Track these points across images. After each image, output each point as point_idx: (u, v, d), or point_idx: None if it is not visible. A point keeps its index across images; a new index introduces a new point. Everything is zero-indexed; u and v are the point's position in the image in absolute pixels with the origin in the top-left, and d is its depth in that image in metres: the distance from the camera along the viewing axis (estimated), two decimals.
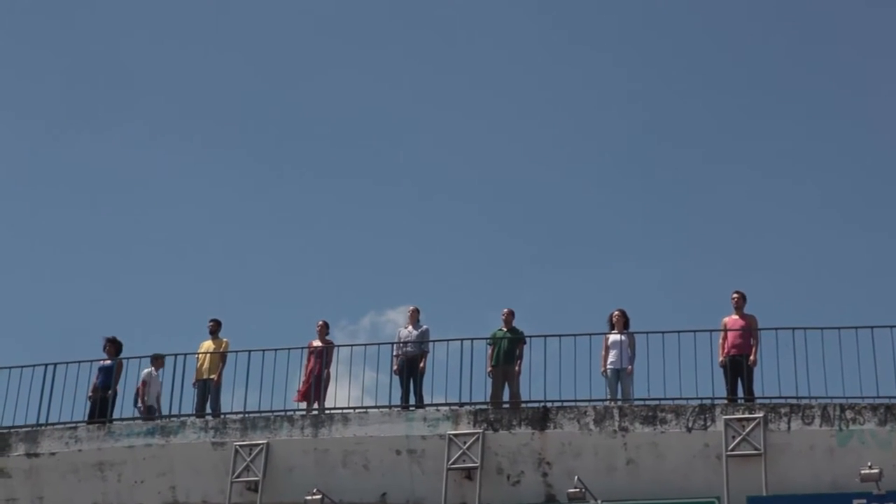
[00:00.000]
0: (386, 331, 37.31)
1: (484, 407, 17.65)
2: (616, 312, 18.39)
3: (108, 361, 19.50)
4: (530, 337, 18.46)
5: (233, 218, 41.76)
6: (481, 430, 17.07)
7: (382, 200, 41.09)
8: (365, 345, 19.07)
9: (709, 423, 16.53)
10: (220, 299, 38.66)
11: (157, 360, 19.41)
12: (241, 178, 42.42)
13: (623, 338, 18.11)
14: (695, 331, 17.43)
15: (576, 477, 16.49)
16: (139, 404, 19.22)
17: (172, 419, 18.46)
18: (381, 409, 17.87)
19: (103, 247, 41.58)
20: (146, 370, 19.37)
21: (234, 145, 42.39)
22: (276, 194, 41.85)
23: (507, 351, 18.45)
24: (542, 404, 17.40)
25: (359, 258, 40.42)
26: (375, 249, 40.52)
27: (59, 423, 18.93)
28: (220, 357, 19.36)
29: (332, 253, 41.51)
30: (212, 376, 19.22)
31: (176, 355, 19.13)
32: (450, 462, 17.00)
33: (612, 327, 18.33)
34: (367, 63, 42.64)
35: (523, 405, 17.71)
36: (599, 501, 16.46)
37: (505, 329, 18.69)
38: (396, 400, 18.43)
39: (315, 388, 18.84)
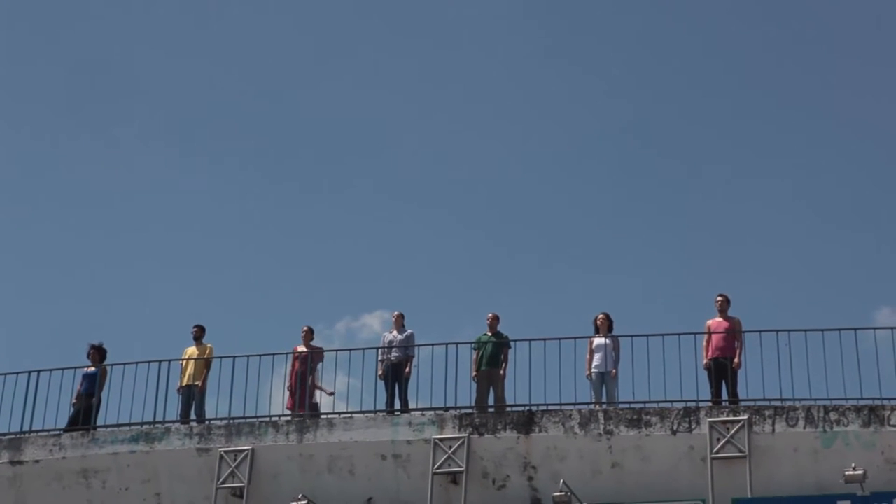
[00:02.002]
0: (361, 336, 37.27)
1: (469, 411, 17.65)
2: (600, 316, 18.41)
3: (92, 368, 19.44)
4: (515, 341, 18.49)
5: (213, 223, 41.71)
6: (466, 435, 17.07)
7: (360, 205, 41.09)
8: (350, 350, 19.01)
9: (693, 426, 16.56)
10: (201, 304, 38.62)
11: (317, 354, 18.95)
12: (219, 185, 42.40)
13: (607, 341, 18.14)
14: (679, 334, 17.48)
15: (561, 480, 16.50)
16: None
17: (157, 426, 18.41)
18: (366, 414, 17.86)
19: (86, 253, 41.55)
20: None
21: (216, 154, 42.41)
22: (252, 200, 41.85)
23: (492, 355, 18.46)
24: (527, 408, 17.39)
25: (335, 262, 40.37)
26: (352, 254, 40.47)
27: (42, 431, 18.88)
28: (204, 363, 19.30)
29: (308, 257, 41.45)
30: (196, 382, 19.17)
31: (160, 361, 19.07)
32: (435, 466, 16.99)
33: (597, 331, 18.35)
34: (356, 70, 42.73)
35: (508, 409, 17.71)
36: None
37: (490, 333, 18.70)
38: (381, 405, 18.42)
39: (300, 393, 18.81)
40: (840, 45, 41.10)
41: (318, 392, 19.05)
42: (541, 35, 42.44)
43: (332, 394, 18.78)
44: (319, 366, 19.10)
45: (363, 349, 18.96)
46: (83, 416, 18.87)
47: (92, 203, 41.67)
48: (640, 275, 38.94)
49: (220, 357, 19.15)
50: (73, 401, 19.27)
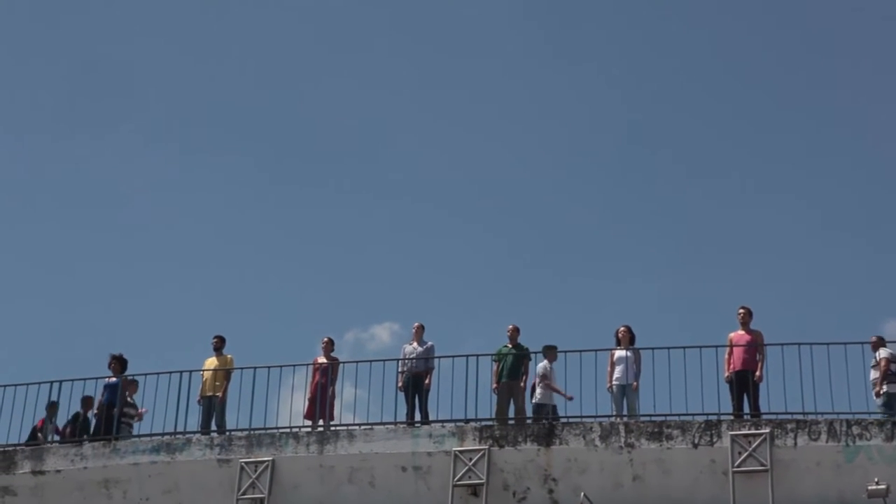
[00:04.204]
0: (370, 347, 37.24)
1: (489, 423, 17.63)
2: (622, 328, 18.38)
3: (114, 378, 19.50)
4: (535, 353, 18.45)
5: (217, 232, 41.77)
6: (487, 447, 17.05)
7: (369, 214, 41.09)
8: (371, 361, 18.99)
9: (715, 439, 16.50)
10: (207, 313, 38.66)
11: (551, 353, 18.44)
12: (224, 192, 42.46)
13: (629, 353, 18.10)
14: (700, 346, 17.41)
15: (582, 493, 16.47)
16: (534, 399, 18.29)
17: (178, 436, 18.45)
18: (386, 426, 17.84)
19: (106, 263, 41.63)
20: (541, 364, 18.46)
21: (222, 160, 42.49)
22: (258, 208, 41.93)
23: (513, 367, 18.44)
24: (547, 420, 17.38)
25: (344, 273, 40.34)
26: (361, 264, 40.42)
27: (64, 441, 18.94)
28: (224, 374, 19.34)
29: (317, 267, 41.40)
30: (217, 393, 19.20)
31: (181, 372, 19.13)
32: (455, 478, 16.97)
33: (618, 343, 18.32)
34: (362, 72, 42.75)
35: (529, 421, 17.69)
36: None
37: (510, 345, 18.68)
38: (402, 416, 18.41)
39: (321, 404, 18.82)
40: (851, 49, 41.05)
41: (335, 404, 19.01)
42: (560, 40, 42.49)
43: (570, 398, 18.04)
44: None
45: (384, 360, 18.94)
46: (105, 427, 18.92)
47: (93, 203, 41.82)
48: (663, 287, 38.92)
49: (241, 368, 19.19)
50: (95, 411, 19.35)
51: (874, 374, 17.31)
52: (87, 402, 19.70)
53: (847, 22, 41.25)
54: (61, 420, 19.71)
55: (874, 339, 17.49)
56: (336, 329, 41.16)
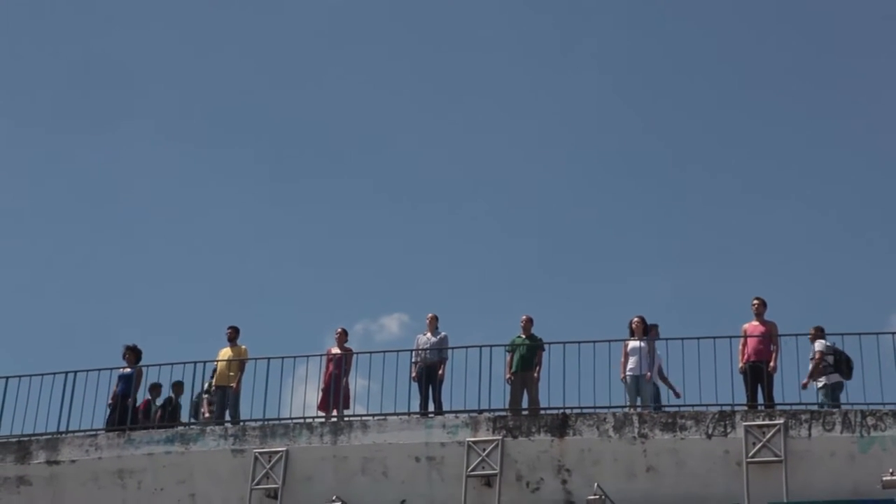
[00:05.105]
0: (380, 338, 37.26)
1: (503, 414, 17.63)
2: (635, 319, 18.35)
3: (128, 369, 19.54)
4: (549, 343, 18.43)
5: (228, 224, 41.84)
6: (500, 437, 17.06)
7: (380, 206, 41.12)
8: (384, 351, 19.00)
9: (729, 430, 16.47)
10: (217, 306, 38.78)
11: (652, 331, 18.10)
12: (235, 184, 42.50)
13: (642, 344, 18.07)
14: (714, 337, 17.39)
15: (595, 484, 16.46)
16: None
17: (192, 427, 18.49)
18: (399, 417, 17.85)
19: (119, 257, 41.75)
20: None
21: (230, 151, 42.54)
22: (268, 199, 41.97)
23: (526, 358, 18.42)
24: (561, 411, 17.35)
25: (353, 264, 40.36)
26: (371, 255, 40.43)
27: (79, 431, 19.01)
28: (238, 364, 19.36)
29: (327, 258, 41.45)
30: (231, 384, 19.23)
31: (195, 363, 19.17)
32: (469, 469, 16.98)
33: (632, 334, 18.29)
34: (372, 67, 42.79)
35: (542, 412, 17.67)
36: None
37: (524, 336, 18.67)
38: (415, 407, 18.41)
39: (335, 395, 18.84)
40: (852, 49, 40.91)
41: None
42: (575, 51, 42.45)
43: (678, 395, 17.81)
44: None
45: (397, 351, 18.94)
46: (119, 417, 18.97)
47: (97, 200, 41.90)
48: (676, 278, 38.88)
49: (255, 358, 19.21)
50: (110, 401, 19.40)
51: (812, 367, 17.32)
52: (177, 387, 19.73)
53: (847, 22, 41.21)
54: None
55: (812, 330, 17.45)
56: (346, 320, 41.21)
